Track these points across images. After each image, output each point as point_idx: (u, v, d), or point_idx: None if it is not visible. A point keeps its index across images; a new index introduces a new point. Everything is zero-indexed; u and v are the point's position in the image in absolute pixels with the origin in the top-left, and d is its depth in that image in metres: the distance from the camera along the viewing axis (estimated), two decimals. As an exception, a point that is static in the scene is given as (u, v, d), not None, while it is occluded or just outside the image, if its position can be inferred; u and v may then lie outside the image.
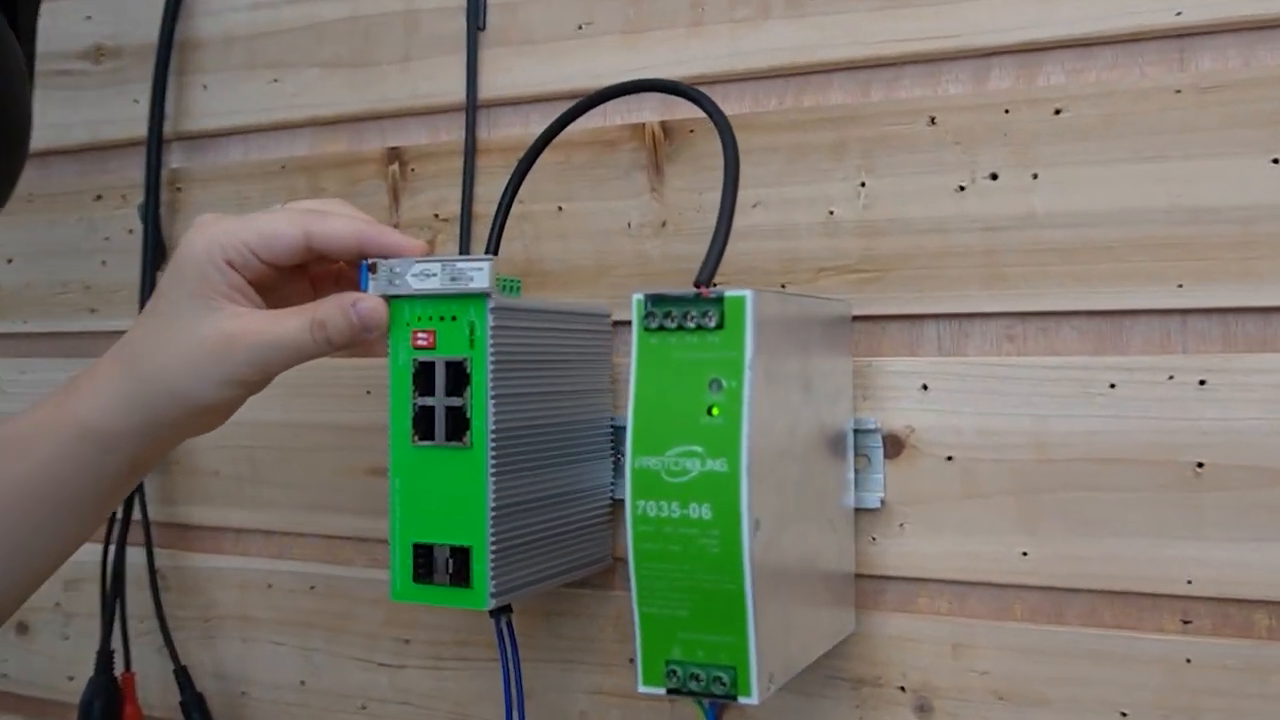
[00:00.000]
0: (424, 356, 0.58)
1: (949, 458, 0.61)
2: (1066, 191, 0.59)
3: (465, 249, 0.73)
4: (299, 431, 0.79)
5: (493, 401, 0.57)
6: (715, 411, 0.49)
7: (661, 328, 0.50)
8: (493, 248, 0.63)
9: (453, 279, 0.56)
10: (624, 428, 0.67)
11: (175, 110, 0.84)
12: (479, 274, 0.56)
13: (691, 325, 0.50)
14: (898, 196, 0.62)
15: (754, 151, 0.65)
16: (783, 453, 0.52)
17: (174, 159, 0.85)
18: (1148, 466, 0.57)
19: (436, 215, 0.75)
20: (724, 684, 0.49)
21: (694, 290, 0.50)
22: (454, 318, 0.57)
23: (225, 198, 0.82)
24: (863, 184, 0.63)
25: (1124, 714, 0.57)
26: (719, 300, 0.49)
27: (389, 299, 0.57)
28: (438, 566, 0.58)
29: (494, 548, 0.57)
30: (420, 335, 0.58)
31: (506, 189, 0.64)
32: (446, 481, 0.58)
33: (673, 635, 0.50)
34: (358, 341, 0.56)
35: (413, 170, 0.76)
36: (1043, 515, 0.59)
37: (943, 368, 0.61)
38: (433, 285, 0.56)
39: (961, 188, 0.61)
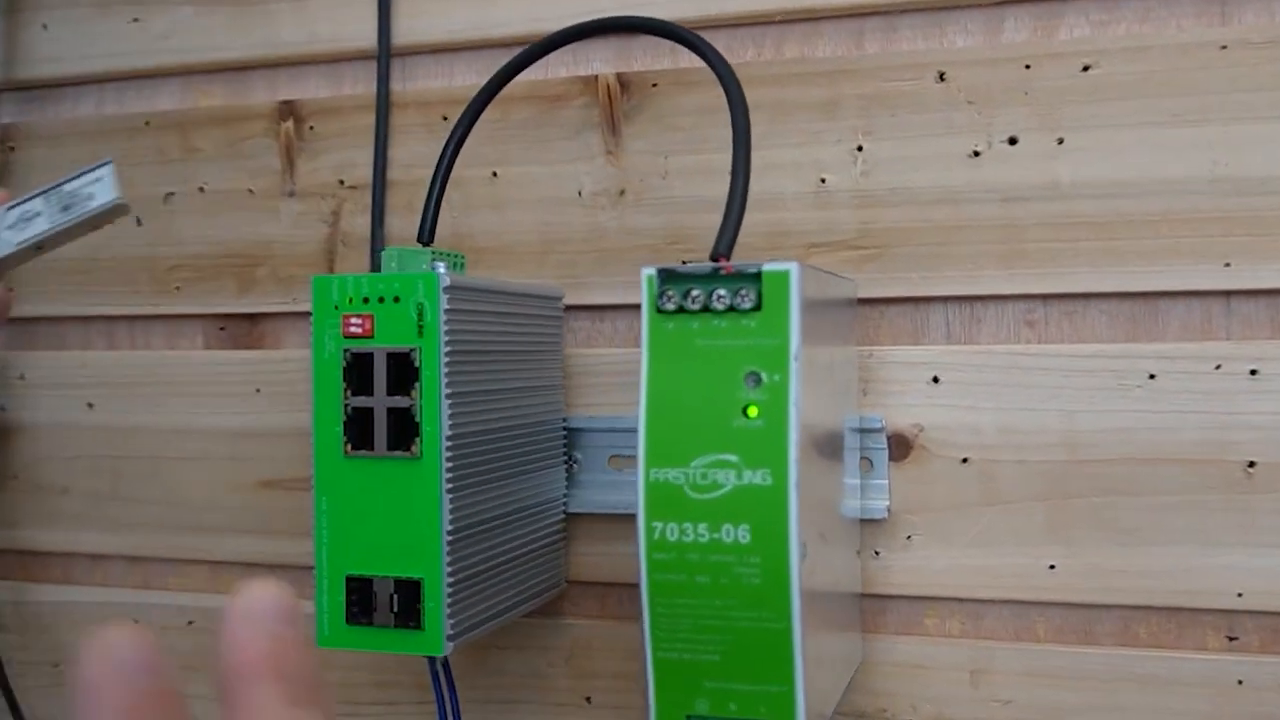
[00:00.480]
0: (359, 347, 0.47)
1: (964, 460, 0.53)
2: (1096, 158, 0.52)
3: (379, 220, 0.62)
4: (171, 438, 0.66)
5: (448, 401, 0.46)
6: (753, 412, 0.40)
7: (681, 309, 0.41)
8: (429, 225, 0.53)
9: (65, 208, 0.42)
10: (579, 430, 0.59)
11: (6, 54, 0.70)
12: (99, 186, 0.42)
13: (720, 306, 0.40)
14: (901, 162, 0.55)
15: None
16: (811, 460, 0.43)
17: (5, 113, 0.71)
18: (1193, 466, 0.51)
19: (342, 181, 0.64)
20: (763, 744, 0.40)
21: (713, 265, 0.41)
22: (397, 299, 0.47)
23: (75, 158, 0.68)
24: (859, 148, 0.55)
25: (1167, 745, 0.51)
26: (755, 275, 0.40)
27: None
28: (379, 604, 0.47)
29: (450, 579, 0.47)
30: (353, 321, 0.47)
31: (445, 151, 0.53)
32: (389, 500, 0.47)
33: (696, 685, 0.41)
34: None
35: (311, 129, 0.64)
36: (1073, 523, 0.52)
37: (956, 357, 0.54)
38: (42, 227, 0.42)
39: (976, 153, 0.54)
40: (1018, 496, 0.53)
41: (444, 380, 0.46)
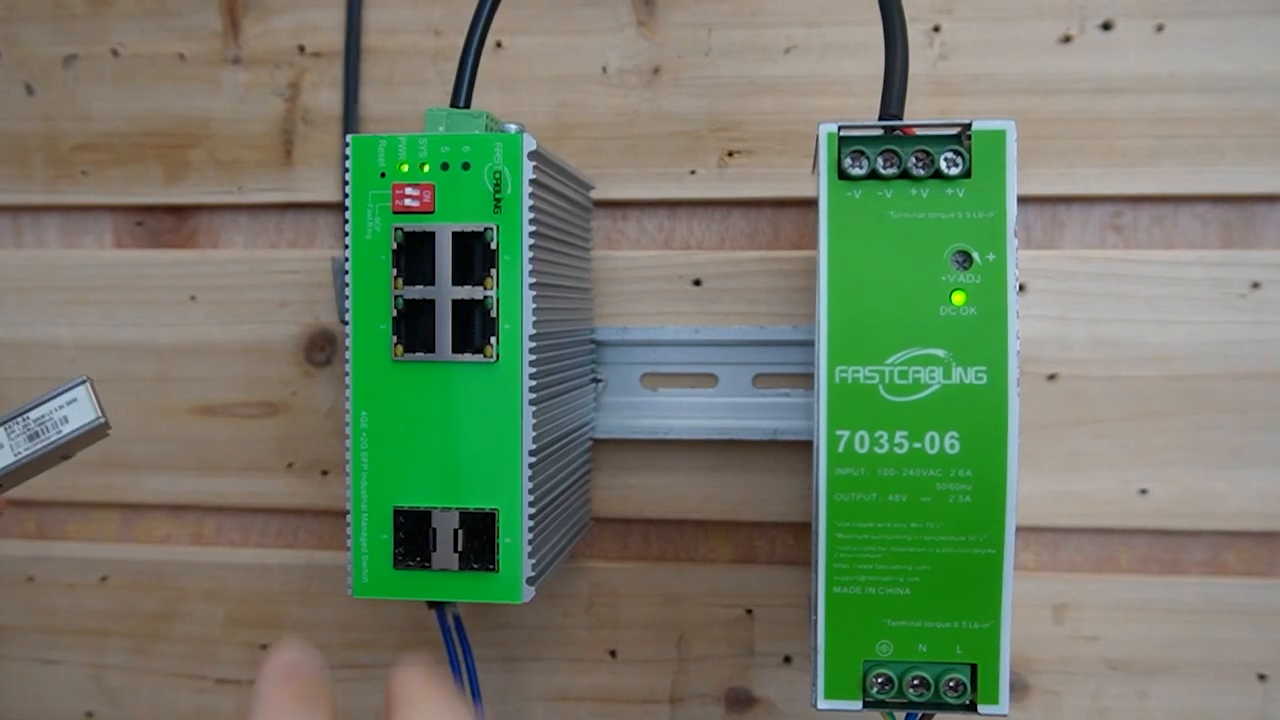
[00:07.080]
0: (415, 225, 0.38)
1: (1051, 376, 0.49)
2: (1198, 48, 0.48)
3: (353, 95, 0.52)
4: (75, 355, 0.54)
5: (531, 293, 0.38)
6: (961, 299, 0.33)
7: (873, 175, 0.34)
8: (465, 86, 0.43)
9: (32, 436, 0.35)
10: (605, 344, 0.51)
11: None
12: (74, 408, 0.35)
13: (921, 172, 0.34)
14: (983, 47, 0.49)
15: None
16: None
17: None
18: (1294, 382, 0.48)
19: (301, 48, 0.53)
20: (959, 690, 0.34)
21: (886, 124, 0.35)
22: (466, 165, 0.38)
23: (-59, 6, 0.54)
24: (936, 29, 0.49)
25: (1263, 676, 0.48)
26: (964, 136, 0.34)
27: None
28: (439, 542, 0.38)
29: (531, 510, 0.38)
30: (408, 192, 0.38)
31: (480, 12, 0.43)
32: (453, 413, 0.38)
33: (878, 625, 0.34)
34: None
35: (262, -18, 0.53)
36: (1168, 445, 0.48)
37: (1044, 263, 0.49)
38: (3, 462, 0.35)
39: (1067, 39, 0.49)
40: (1109, 415, 0.48)
41: (527, 267, 0.38)
